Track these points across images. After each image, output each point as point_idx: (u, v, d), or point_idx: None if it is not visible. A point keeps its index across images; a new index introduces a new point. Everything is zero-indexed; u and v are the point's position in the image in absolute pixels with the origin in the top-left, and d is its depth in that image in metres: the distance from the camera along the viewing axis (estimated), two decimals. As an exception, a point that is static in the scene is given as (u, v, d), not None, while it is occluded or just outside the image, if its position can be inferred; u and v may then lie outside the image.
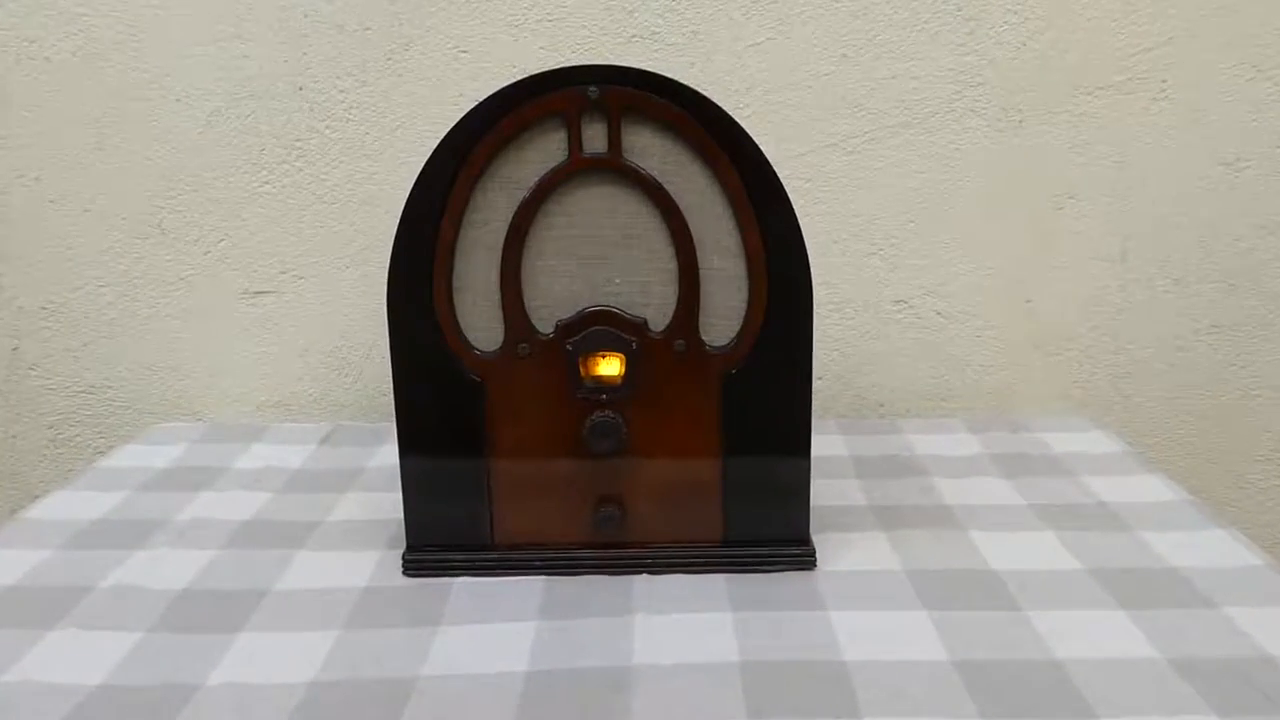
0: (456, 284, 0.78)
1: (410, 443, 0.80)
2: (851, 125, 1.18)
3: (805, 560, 0.82)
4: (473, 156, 0.76)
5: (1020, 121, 1.19)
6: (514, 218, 0.77)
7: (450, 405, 0.80)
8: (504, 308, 0.78)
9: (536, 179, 0.76)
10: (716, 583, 0.80)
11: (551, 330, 0.79)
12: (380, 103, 1.17)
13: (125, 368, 1.24)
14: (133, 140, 1.18)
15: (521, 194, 0.76)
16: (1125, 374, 1.25)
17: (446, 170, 0.76)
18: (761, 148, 0.75)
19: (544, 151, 0.76)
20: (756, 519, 0.81)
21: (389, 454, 1.09)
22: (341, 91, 1.17)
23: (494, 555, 0.82)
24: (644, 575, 0.81)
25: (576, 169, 0.76)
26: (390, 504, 0.93)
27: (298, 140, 1.17)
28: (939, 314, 1.24)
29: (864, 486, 0.98)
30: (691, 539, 0.82)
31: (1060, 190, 1.21)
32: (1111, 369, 1.25)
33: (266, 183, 1.21)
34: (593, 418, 0.79)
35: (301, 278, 1.21)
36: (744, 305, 0.78)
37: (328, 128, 1.17)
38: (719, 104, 0.75)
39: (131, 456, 1.10)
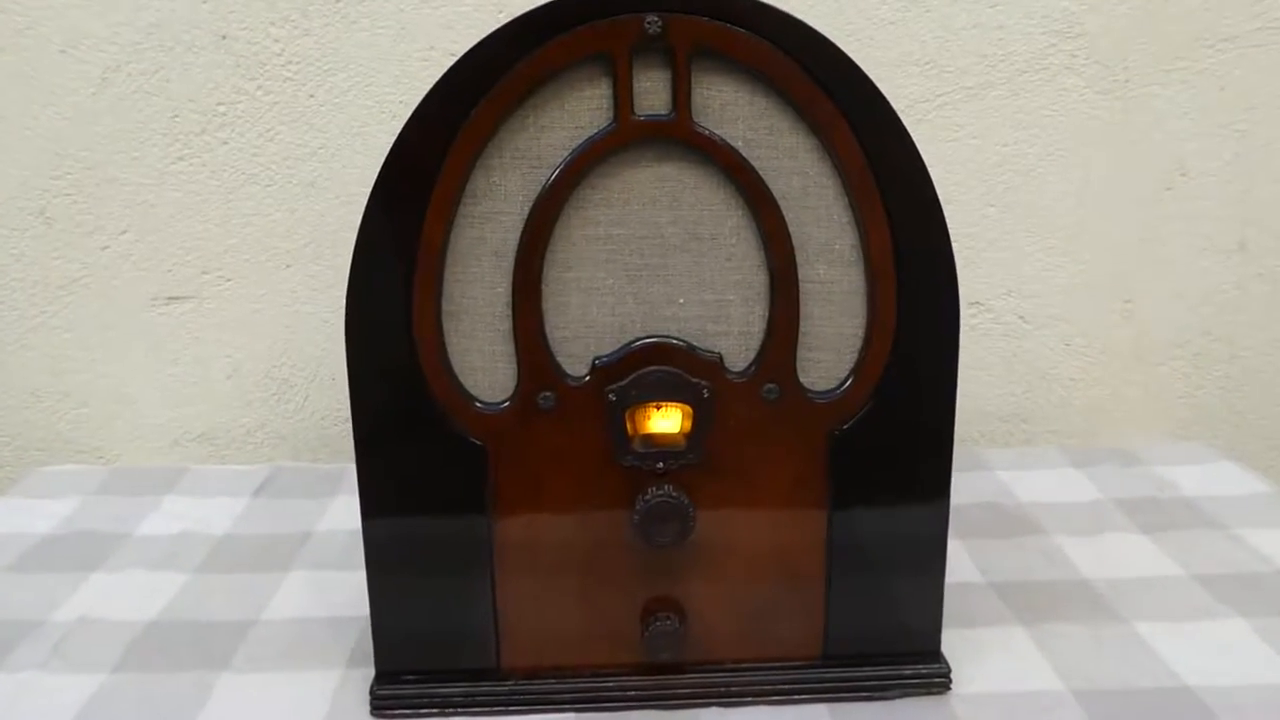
0: (448, 306, 0.54)
1: (380, 530, 0.56)
2: (921, 86, 0.96)
3: (936, 681, 0.59)
4: (472, 123, 0.51)
5: (1125, 81, 0.97)
6: (533, 211, 0.52)
7: (439, 479, 0.55)
8: (518, 340, 0.54)
9: (565, 155, 0.52)
10: (816, 715, 0.57)
11: (586, 372, 0.55)
12: (328, 56, 0.91)
13: (1, 394, 0.97)
14: (5, 105, 0.91)
15: (543, 176, 0.52)
16: (1239, 387, 1.05)
17: (433, 142, 0.51)
18: (897, 107, 0.52)
19: (576, 114, 0.52)
20: (870, 627, 0.59)
21: (346, 508, 0.84)
22: (277, 41, 0.91)
23: (503, 687, 0.58)
24: (714, 709, 0.58)
25: (624, 140, 0.52)
26: (351, 589, 0.70)
27: (220, 105, 0.92)
28: (1021, 318, 1.02)
29: (971, 552, 0.76)
30: (780, 656, 0.59)
31: (1170, 166, 1.00)
32: (1223, 382, 1.05)
33: (181, 159, 0.95)
34: (645, 496, 0.55)
35: (229, 279, 0.95)
36: (861, 334, 0.55)
37: (259, 89, 0.91)
38: (836, 44, 0.51)
39: (2, 517, 0.84)
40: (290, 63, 0.92)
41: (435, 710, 0.58)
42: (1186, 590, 0.71)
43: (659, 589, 0.58)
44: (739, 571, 0.58)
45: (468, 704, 0.58)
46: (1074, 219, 0.99)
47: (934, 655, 0.60)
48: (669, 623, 0.57)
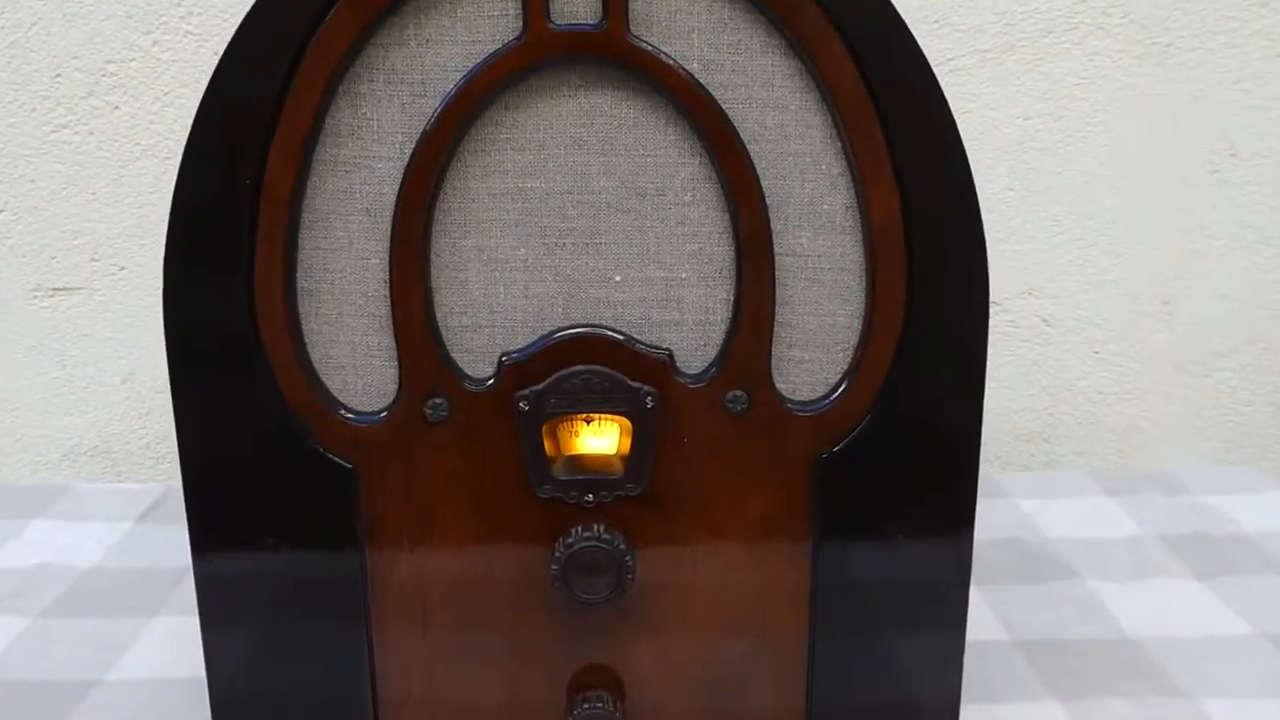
0: (305, 283, 0.41)
1: (216, 568, 0.43)
2: (929, 48, 0.82)
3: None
4: (325, 34, 0.38)
5: (1167, 45, 0.85)
6: (415, 156, 0.39)
7: (293, 510, 0.42)
8: (398, 329, 0.41)
9: (458, 79, 0.39)
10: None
11: (490, 373, 0.41)
12: (234, 5, 0.77)
13: None
14: None
15: (429, 107, 0.39)
16: (1293, 403, 0.91)
17: (271, 62, 0.38)
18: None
19: (472, 23, 0.39)
20: (865, 703, 0.45)
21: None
22: (177, -14, 0.78)
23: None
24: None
25: (538, 56, 0.38)
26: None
27: (110, 63, 0.79)
28: (1044, 321, 0.90)
29: (991, 602, 0.63)
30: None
31: (1217, 145, 0.88)
32: (1275, 396, 0.91)
33: (65, 126, 0.82)
34: (568, 539, 0.42)
35: (123, 268, 0.83)
36: (857, 326, 0.42)
37: (154, 44, 0.77)
38: (825, -74, 0.38)
39: None
40: (190, 14, 0.79)
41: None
42: (1258, 653, 0.57)
43: (590, 654, 0.44)
44: (694, 633, 0.44)
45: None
46: (1105, 206, 0.87)
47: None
48: (600, 706, 0.43)
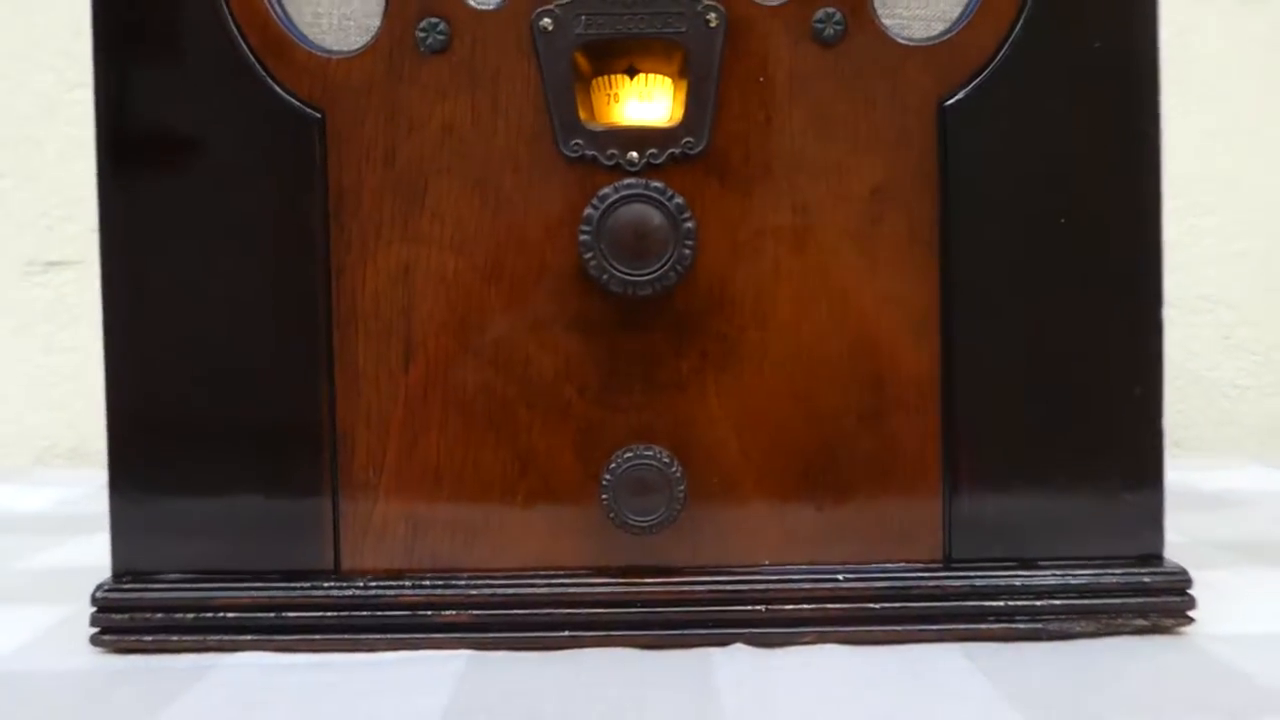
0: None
1: (131, 266, 0.32)
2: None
3: (1165, 605, 0.31)
4: None
5: None
6: None
7: (243, 167, 0.31)
8: (385, -67, 0.31)
9: None
10: (936, 662, 0.29)
11: (503, -11, 0.31)
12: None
13: None
14: None
15: None
16: None
17: None
18: None
19: None
20: (1039, 496, 0.32)
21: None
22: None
23: (342, 592, 0.31)
24: (740, 649, 0.30)
25: None
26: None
27: None
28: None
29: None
30: (863, 553, 0.32)
31: None
32: None
33: (80, 85, 0.75)
34: (606, 195, 0.30)
35: (121, 233, 0.73)
36: (985, -73, 0.32)
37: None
38: None
39: None
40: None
41: (202, 632, 0.31)
42: None
43: (635, 388, 0.32)
44: (780, 379, 0.31)
45: (274, 626, 0.31)
46: (1222, 166, 0.76)
47: (1155, 558, 0.32)
48: (654, 462, 0.30)
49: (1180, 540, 0.46)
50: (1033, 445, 0.32)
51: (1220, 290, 0.77)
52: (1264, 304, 0.77)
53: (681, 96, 0.31)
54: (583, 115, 0.31)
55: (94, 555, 0.39)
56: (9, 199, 0.77)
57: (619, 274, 0.30)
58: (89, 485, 0.64)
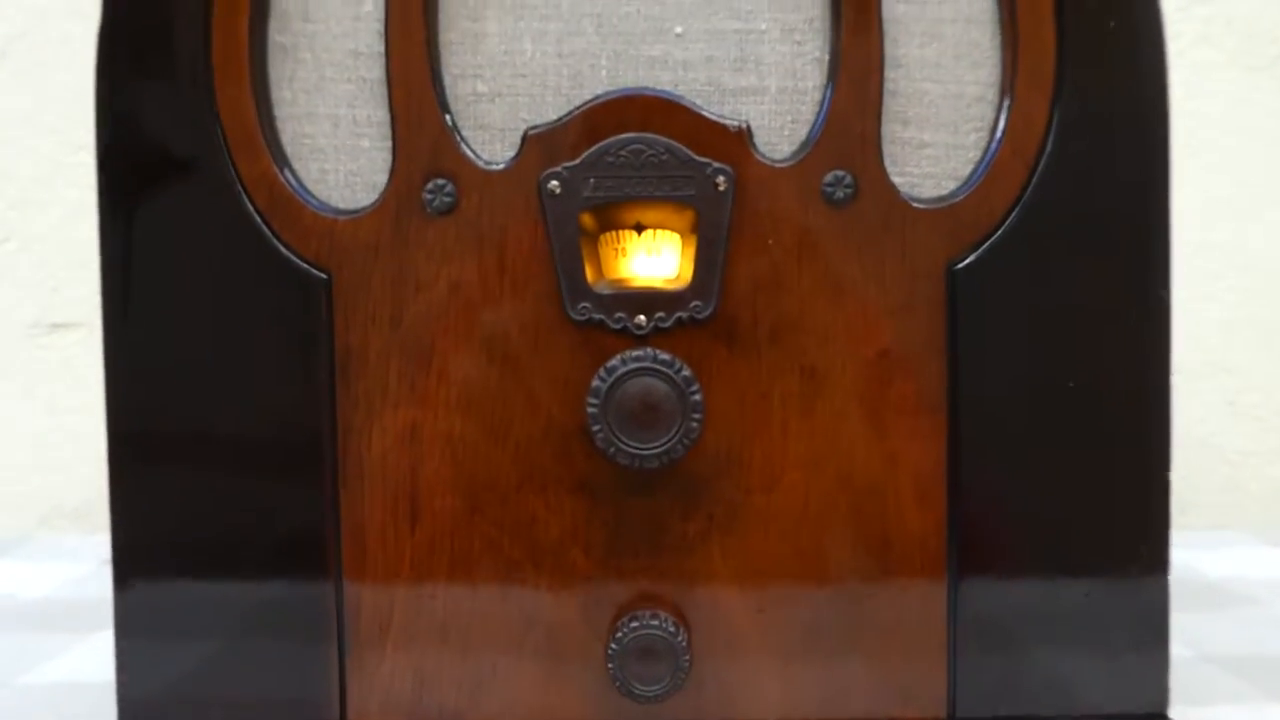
0: (278, 36, 0.32)
1: (133, 411, 0.32)
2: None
3: (1167, 769, 0.31)
4: None
5: (1276, 56, 0.74)
6: None
7: (248, 330, 0.31)
8: (393, 94, 0.31)
9: None
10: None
11: (512, 152, 0.31)
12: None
13: None
14: None
15: None
16: None
17: None
18: None
19: None
20: (1038, 661, 0.32)
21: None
22: None
23: (346, 753, 0.31)
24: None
25: None
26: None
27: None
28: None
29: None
30: (887, 711, 0.32)
31: None
32: None
33: (84, 148, 0.75)
34: (614, 366, 0.30)
35: (124, 297, 0.72)
36: (990, 95, 0.31)
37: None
38: None
39: None
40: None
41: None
42: None
43: (641, 557, 0.32)
44: (787, 540, 0.31)
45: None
46: (1229, 233, 0.76)
47: (1160, 718, 0.32)
48: (660, 631, 0.30)
49: (1187, 655, 0.46)
50: (1038, 606, 0.32)
51: (1225, 356, 0.77)
52: (1269, 370, 0.77)
53: (690, 254, 0.31)
54: (589, 271, 0.31)
55: (103, 659, 0.39)
56: (13, 261, 0.77)
57: (626, 448, 0.30)
58: (94, 558, 0.64)
